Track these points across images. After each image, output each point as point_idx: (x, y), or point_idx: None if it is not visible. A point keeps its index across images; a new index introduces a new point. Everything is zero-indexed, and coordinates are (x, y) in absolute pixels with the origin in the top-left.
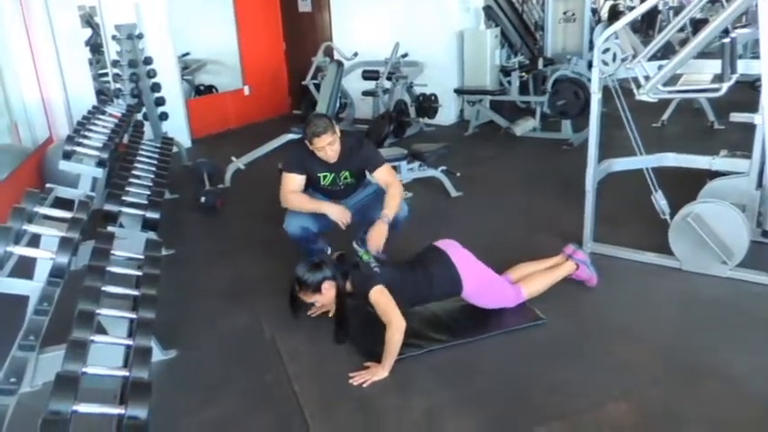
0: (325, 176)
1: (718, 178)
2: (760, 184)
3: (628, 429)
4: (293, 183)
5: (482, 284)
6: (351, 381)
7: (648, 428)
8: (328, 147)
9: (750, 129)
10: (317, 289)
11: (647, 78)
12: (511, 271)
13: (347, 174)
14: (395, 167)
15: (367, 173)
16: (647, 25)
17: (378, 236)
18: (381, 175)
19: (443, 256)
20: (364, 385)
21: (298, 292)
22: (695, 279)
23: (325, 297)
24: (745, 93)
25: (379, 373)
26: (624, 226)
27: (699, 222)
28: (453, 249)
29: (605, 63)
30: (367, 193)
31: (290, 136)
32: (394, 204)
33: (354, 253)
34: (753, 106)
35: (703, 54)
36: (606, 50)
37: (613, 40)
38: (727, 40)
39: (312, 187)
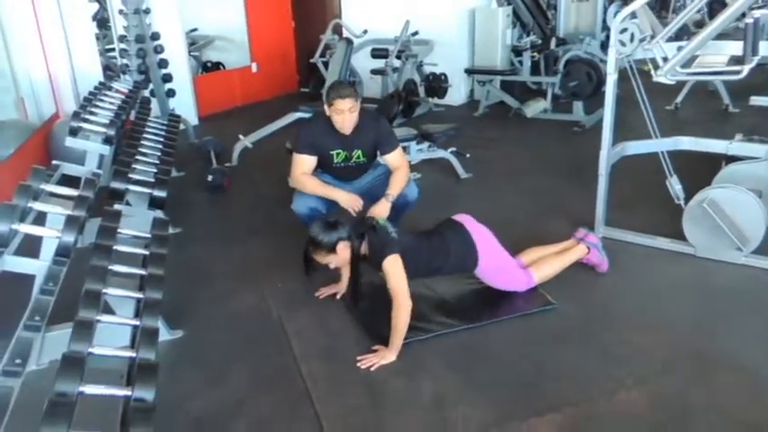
0: (338, 153)
1: (734, 163)
2: None
3: (640, 418)
4: (304, 164)
5: (497, 263)
6: (358, 364)
7: (660, 417)
8: (348, 112)
9: (766, 113)
10: (331, 249)
11: (665, 60)
12: (521, 255)
13: (360, 153)
14: (404, 148)
15: (378, 153)
16: (660, 6)
17: (379, 212)
18: (393, 159)
19: (462, 230)
20: (372, 369)
21: (311, 253)
22: (709, 266)
23: (339, 258)
24: (760, 76)
25: (387, 356)
26: (636, 210)
27: (714, 208)
28: (472, 224)
29: (622, 43)
30: (377, 175)
31: (299, 114)
32: (399, 185)
33: (370, 220)
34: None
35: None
36: (624, 30)
37: (631, 19)
38: (750, 20)
39: (323, 168)
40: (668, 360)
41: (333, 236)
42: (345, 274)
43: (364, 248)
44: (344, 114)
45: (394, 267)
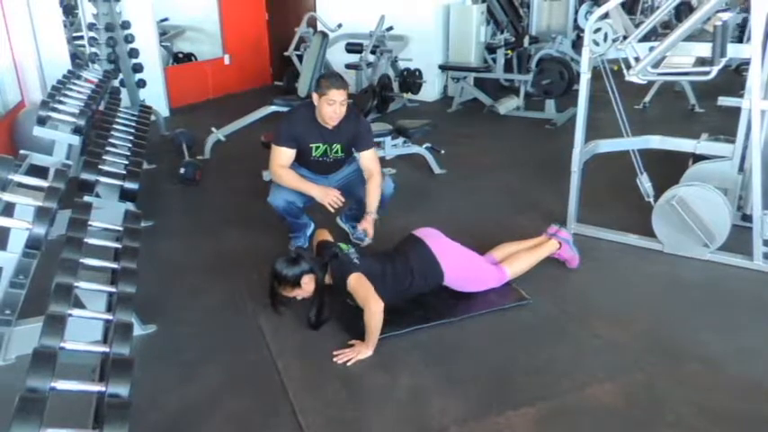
0: (317, 147)
1: (701, 162)
2: (741, 169)
3: (612, 410)
4: (283, 156)
5: (464, 271)
6: (335, 359)
7: (632, 410)
8: (339, 104)
9: (730, 113)
10: (296, 283)
11: (636, 60)
12: (494, 251)
13: (338, 147)
14: (379, 143)
15: (354, 150)
16: (628, 8)
17: (367, 228)
18: (368, 158)
19: (423, 247)
20: (348, 364)
21: (278, 288)
22: (676, 261)
23: (304, 291)
24: (724, 77)
25: (364, 351)
26: (607, 207)
27: (682, 205)
28: (432, 239)
29: (596, 43)
30: (351, 170)
31: (273, 108)
32: (375, 198)
33: (338, 231)
34: (733, 90)
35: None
36: (598, 30)
37: (604, 20)
38: (719, 23)
39: (299, 161)
40: (638, 353)
41: (296, 270)
42: None
43: (328, 279)
44: (336, 105)
45: (358, 283)
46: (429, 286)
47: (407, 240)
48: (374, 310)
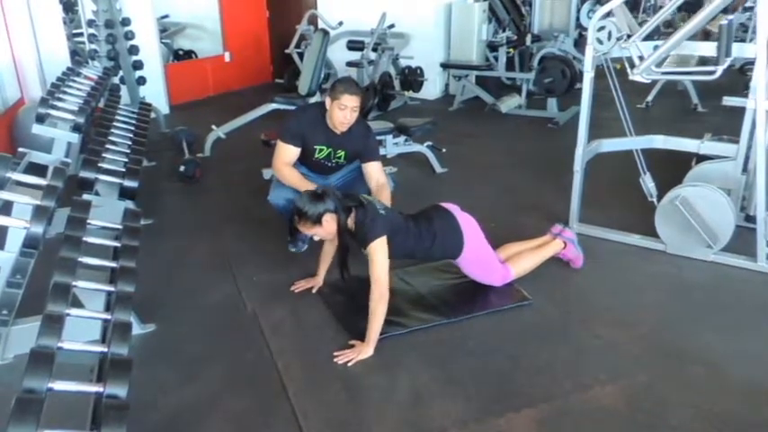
0: (321, 150)
1: (705, 162)
2: (745, 169)
3: (614, 412)
4: (287, 154)
5: (480, 254)
6: (335, 360)
7: (634, 412)
8: (351, 110)
9: (733, 113)
10: (317, 221)
11: (641, 58)
12: (499, 250)
13: (342, 154)
14: (380, 141)
15: (360, 161)
16: (631, 6)
17: None
18: (374, 170)
19: (450, 216)
20: (349, 364)
21: (297, 223)
22: (679, 262)
23: (325, 230)
24: (727, 76)
25: (364, 351)
26: (610, 207)
27: (686, 206)
28: (459, 213)
29: (600, 41)
30: (351, 168)
31: (273, 106)
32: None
33: (358, 195)
34: (735, 90)
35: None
36: (601, 28)
37: (607, 18)
38: (724, 22)
39: (300, 159)
40: (641, 355)
41: (319, 207)
42: (322, 268)
43: (351, 223)
44: (347, 111)
45: (379, 252)
46: (445, 255)
47: (433, 208)
48: (382, 293)
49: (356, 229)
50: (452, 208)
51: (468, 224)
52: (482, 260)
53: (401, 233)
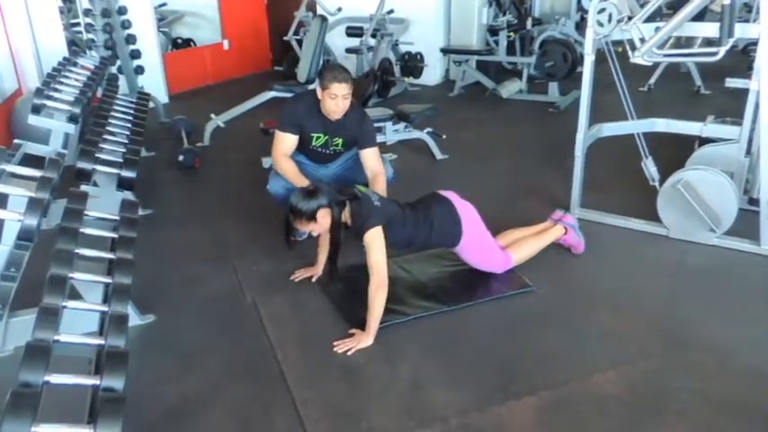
0: (318, 137)
1: (707, 145)
2: (749, 152)
3: (615, 399)
4: (286, 142)
5: (479, 241)
6: (335, 349)
7: (636, 399)
8: (342, 98)
9: (736, 95)
10: (311, 217)
11: (642, 41)
12: (499, 237)
13: (340, 141)
14: (379, 128)
15: (357, 147)
16: None
17: None
18: (370, 157)
19: (448, 204)
20: (349, 353)
21: (292, 221)
22: (682, 246)
23: (319, 226)
24: (731, 58)
25: (364, 340)
26: (612, 192)
27: (688, 189)
28: (457, 200)
29: (600, 24)
30: (349, 156)
31: (273, 93)
32: None
33: (352, 188)
34: (738, 71)
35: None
36: (602, 10)
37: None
38: (727, 2)
39: (299, 148)
40: (643, 341)
41: (313, 203)
42: (322, 257)
43: (346, 216)
44: (338, 99)
45: (376, 241)
46: (444, 243)
47: (431, 196)
48: (381, 281)
49: (352, 222)
50: (451, 195)
51: (467, 211)
52: (482, 247)
53: (398, 222)
